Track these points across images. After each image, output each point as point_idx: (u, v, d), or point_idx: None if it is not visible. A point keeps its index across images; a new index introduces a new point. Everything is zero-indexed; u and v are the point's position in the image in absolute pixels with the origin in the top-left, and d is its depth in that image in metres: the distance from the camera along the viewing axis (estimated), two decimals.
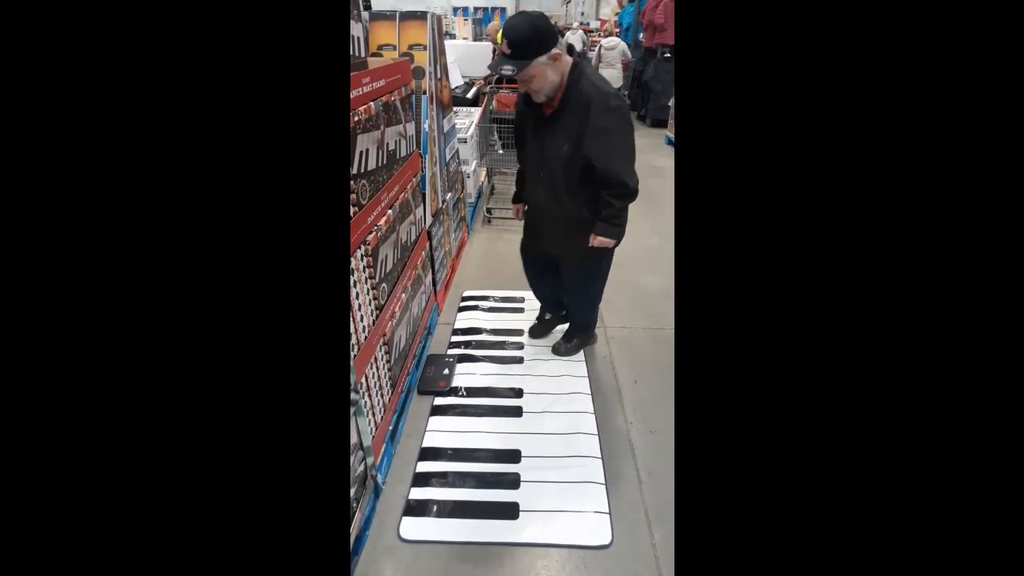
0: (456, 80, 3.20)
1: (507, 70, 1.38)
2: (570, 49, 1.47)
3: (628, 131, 1.49)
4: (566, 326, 2.17)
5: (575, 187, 1.57)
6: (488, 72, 3.73)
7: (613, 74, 6.36)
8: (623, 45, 6.34)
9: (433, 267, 2.22)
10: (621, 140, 1.48)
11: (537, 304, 2.24)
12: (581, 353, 2.12)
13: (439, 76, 2.20)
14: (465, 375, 1.99)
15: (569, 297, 2.01)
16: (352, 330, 1.24)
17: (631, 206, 1.58)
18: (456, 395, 1.89)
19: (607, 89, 1.46)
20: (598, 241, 1.61)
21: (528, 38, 1.36)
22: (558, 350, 2.12)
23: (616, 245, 1.69)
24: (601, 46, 6.34)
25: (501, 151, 3.51)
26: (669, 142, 5.54)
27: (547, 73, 1.42)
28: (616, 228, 1.60)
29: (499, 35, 3.60)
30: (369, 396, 1.40)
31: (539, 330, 2.24)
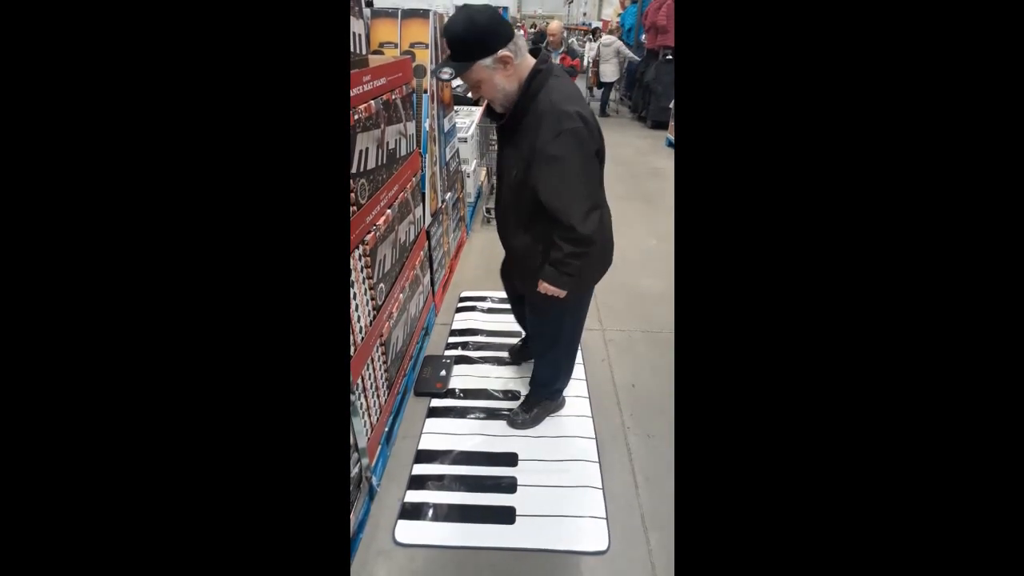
0: (457, 79, 3.20)
1: (446, 73, 1.14)
2: (535, 50, 1.21)
3: (581, 161, 1.14)
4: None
5: (526, 219, 1.28)
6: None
7: (610, 69, 6.62)
8: (619, 43, 6.58)
9: (431, 267, 2.21)
10: (572, 173, 1.14)
11: None
12: (580, 355, 2.10)
13: None
14: (462, 376, 1.97)
15: (533, 345, 1.62)
16: (349, 330, 1.22)
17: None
18: (453, 397, 1.88)
19: (564, 107, 1.12)
20: (543, 288, 1.31)
21: (463, 38, 1.10)
22: (513, 422, 1.73)
23: (584, 300, 1.43)
24: (600, 43, 6.61)
25: None
26: (669, 144, 5.53)
27: (495, 80, 1.14)
28: (564, 277, 1.25)
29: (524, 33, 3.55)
30: (365, 397, 1.38)
31: (518, 354, 2.04)
